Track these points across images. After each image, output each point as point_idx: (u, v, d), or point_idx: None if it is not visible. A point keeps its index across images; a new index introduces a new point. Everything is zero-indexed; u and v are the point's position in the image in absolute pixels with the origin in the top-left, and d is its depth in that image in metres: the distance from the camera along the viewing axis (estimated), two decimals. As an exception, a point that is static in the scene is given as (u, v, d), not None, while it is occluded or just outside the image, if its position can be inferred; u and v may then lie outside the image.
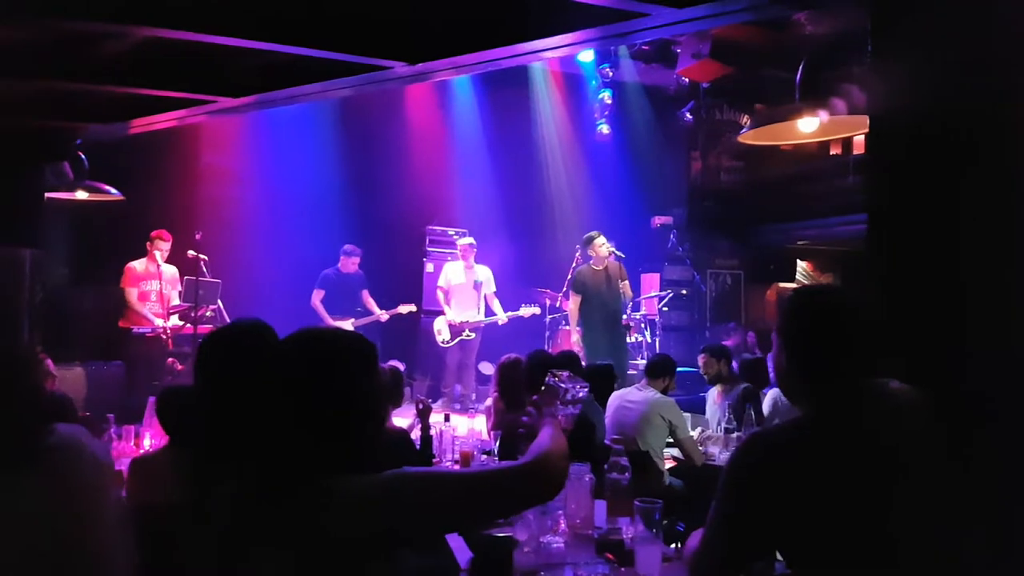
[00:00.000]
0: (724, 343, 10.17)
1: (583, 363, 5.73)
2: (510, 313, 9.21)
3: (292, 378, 1.64)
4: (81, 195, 5.71)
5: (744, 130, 3.57)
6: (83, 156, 5.70)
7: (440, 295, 9.23)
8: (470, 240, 9.29)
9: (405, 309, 9.13)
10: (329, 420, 1.63)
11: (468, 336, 9.18)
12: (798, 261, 11.47)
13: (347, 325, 8.85)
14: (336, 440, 1.62)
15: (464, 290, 9.22)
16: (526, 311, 9.25)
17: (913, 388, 1.83)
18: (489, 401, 5.59)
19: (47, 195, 5.63)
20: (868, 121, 3.06)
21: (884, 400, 1.78)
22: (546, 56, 4.43)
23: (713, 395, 5.82)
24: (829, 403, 1.74)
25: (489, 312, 9.26)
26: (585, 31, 3.27)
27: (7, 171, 5.20)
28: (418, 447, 4.29)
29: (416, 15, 3.45)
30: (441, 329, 9.22)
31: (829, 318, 1.80)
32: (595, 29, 3.25)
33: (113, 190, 5.82)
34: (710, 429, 5.64)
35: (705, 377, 5.86)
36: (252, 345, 2.18)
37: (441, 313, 9.22)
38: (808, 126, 3.33)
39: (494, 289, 9.31)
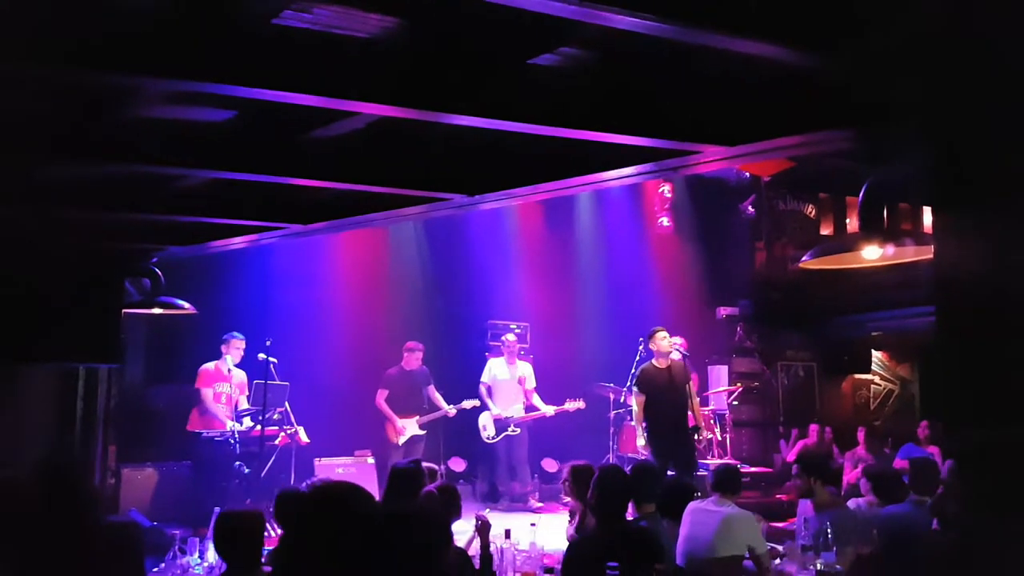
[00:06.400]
0: (804, 441, 9.82)
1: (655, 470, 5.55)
2: (555, 407, 9.19)
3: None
4: (156, 311, 5.94)
5: (806, 257, 3.53)
6: (159, 272, 5.96)
7: (483, 390, 9.28)
8: (513, 336, 9.40)
9: (469, 404, 9.11)
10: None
11: (513, 432, 9.15)
12: (873, 352, 11.10)
13: (412, 422, 8.92)
14: None
15: (508, 386, 9.29)
16: (571, 405, 9.20)
17: None
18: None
19: (124, 311, 5.86)
20: (933, 250, 2.99)
21: None
22: (600, 186, 4.50)
23: (806, 508, 5.20)
24: None
25: (530, 408, 9.27)
26: (640, 166, 3.31)
27: (88, 290, 5.44)
28: (477, 566, 4.24)
29: (476, 153, 3.54)
30: (486, 424, 9.23)
31: None
32: (649, 164, 3.28)
33: (187, 304, 6.03)
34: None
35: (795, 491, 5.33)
36: (336, 513, 2.33)
37: (486, 409, 9.24)
38: (872, 254, 3.27)
39: (534, 384, 9.36)
